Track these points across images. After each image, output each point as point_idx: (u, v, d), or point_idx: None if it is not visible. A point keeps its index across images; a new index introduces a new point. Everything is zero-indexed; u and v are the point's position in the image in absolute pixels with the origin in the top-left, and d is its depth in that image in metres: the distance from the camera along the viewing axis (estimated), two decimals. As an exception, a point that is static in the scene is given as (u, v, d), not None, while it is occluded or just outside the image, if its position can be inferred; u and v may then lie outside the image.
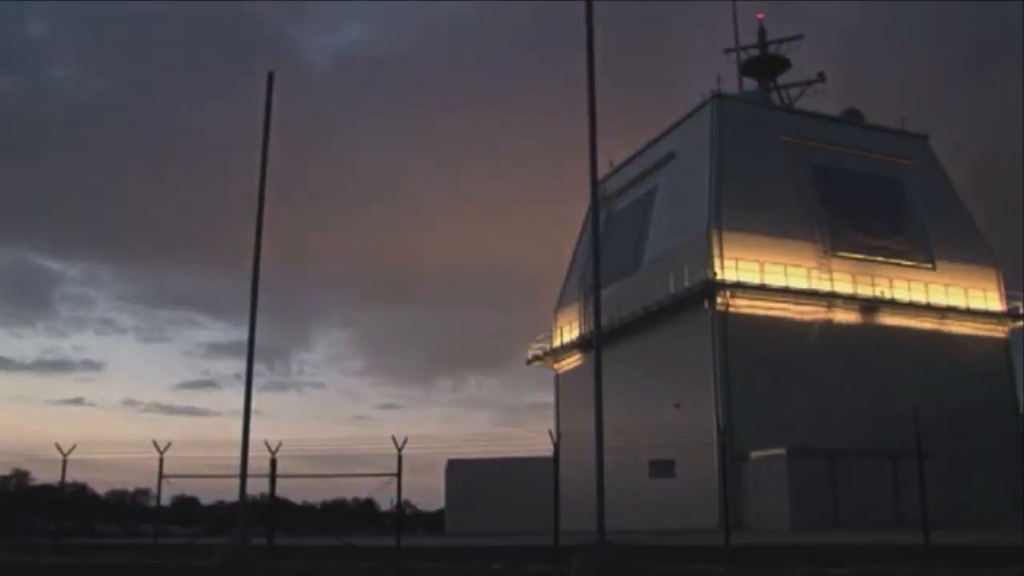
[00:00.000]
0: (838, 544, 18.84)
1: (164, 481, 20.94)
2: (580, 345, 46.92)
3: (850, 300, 39.50)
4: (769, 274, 38.34)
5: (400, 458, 17.78)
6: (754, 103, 46.47)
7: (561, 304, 51.84)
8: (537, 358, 51.46)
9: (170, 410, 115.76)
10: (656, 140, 47.57)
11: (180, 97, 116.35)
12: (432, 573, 16.16)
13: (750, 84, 50.13)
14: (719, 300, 37.24)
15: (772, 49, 49.37)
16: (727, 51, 49.68)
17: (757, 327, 37.46)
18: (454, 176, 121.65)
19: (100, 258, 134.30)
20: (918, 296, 41.14)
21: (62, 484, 23.31)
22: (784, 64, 49.43)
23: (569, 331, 49.07)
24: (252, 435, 19.48)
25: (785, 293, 38.38)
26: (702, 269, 37.70)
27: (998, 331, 42.74)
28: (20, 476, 70.64)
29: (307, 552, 21.97)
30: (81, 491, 71.52)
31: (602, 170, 37.52)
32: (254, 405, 20.07)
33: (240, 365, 20.48)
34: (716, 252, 37.78)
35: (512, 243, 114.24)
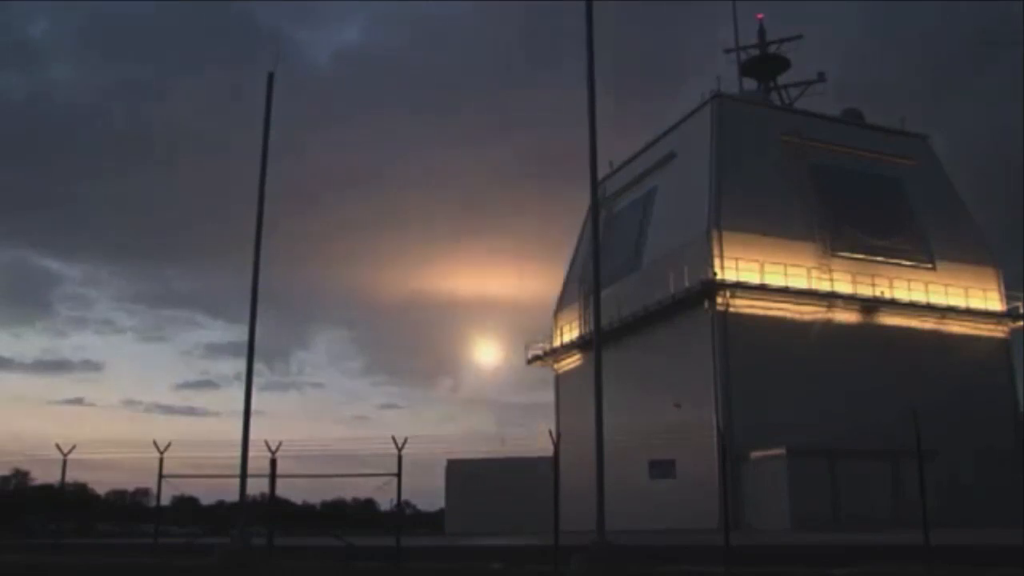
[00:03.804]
0: (838, 544, 18.83)
1: (164, 481, 20.90)
2: (580, 345, 46.92)
3: (850, 300, 39.50)
4: (769, 274, 38.34)
5: (400, 458, 17.77)
6: (754, 103, 46.47)
7: (561, 304, 51.84)
8: (537, 358, 51.47)
9: (170, 410, 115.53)
10: (656, 140, 47.59)
11: (180, 97, 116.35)
12: (432, 573, 16.17)
13: (750, 84, 50.16)
14: (719, 300, 37.25)
15: (772, 49, 49.39)
16: (727, 51, 49.78)
17: (757, 327, 37.46)
18: (454, 175, 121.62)
19: (100, 258, 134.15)
20: (918, 296, 41.14)
21: (62, 484, 23.27)
22: (784, 64, 49.45)
23: (569, 331, 49.06)
24: (252, 435, 19.49)
25: (785, 293, 38.38)
26: (702, 269, 37.70)
27: (998, 331, 42.74)
28: (20, 476, 70.68)
29: (307, 552, 21.96)
30: (81, 491, 71.48)
31: (602, 170, 37.53)
32: (254, 405, 20.08)
33: (240, 365, 20.50)
34: (716, 252, 37.79)
35: (512, 242, 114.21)
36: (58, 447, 20.72)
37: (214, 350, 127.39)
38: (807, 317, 38.82)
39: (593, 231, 17.87)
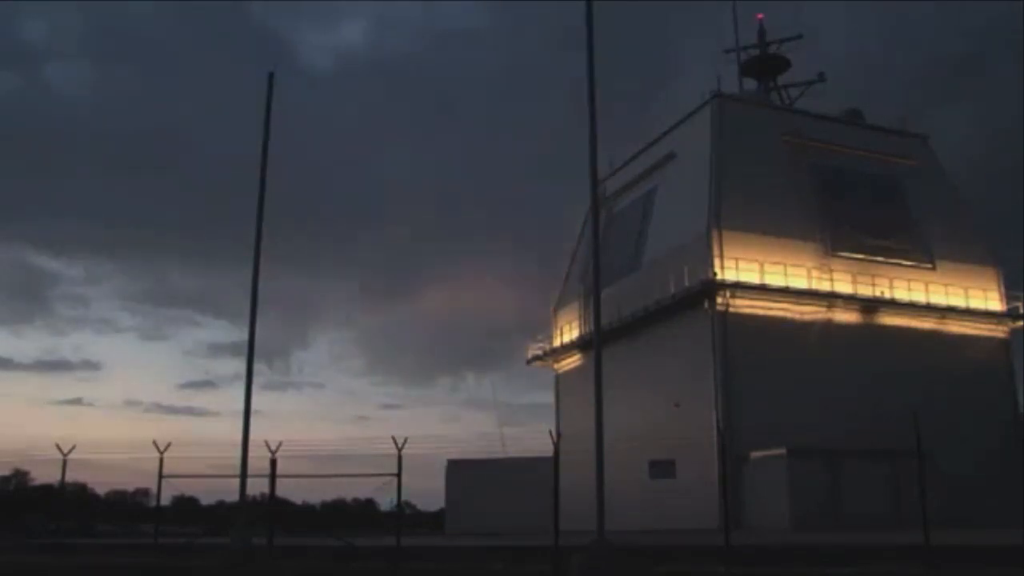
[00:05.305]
0: (838, 544, 18.82)
1: (164, 481, 20.94)
2: (580, 345, 46.90)
3: (850, 300, 39.49)
4: (769, 274, 38.33)
5: (400, 458, 17.80)
6: (754, 103, 46.46)
7: (561, 304, 51.82)
8: (537, 358, 51.45)
9: (170, 410, 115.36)
10: (656, 140, 47.55)
11: (180, 97, 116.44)
12: (432, 573, 16.18)
13: (750, 84, 50.16)
14: (719, 300, 37.23)
15: (772, 49, 49.40)
16: (727, 51, 49.75)
17: (757, 327, 37.44)
18: (454, 175, 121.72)
19: (100, 258, 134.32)
20: (918, 296, 41.13)
21: (62, 484, 23.29)
22: (784, 64, 49.45)
23: (569, 331, 49.05)
24: (252, 435, 19.50)
25: (785, 293, 38.36)
26: (702, 269, 37.69)
27: (998, 331, 42.72)
28: (20, 476, 70.60)
29: (307, 552, 21.96)
30: (81, 491, 71.38)
31: (602, 170, 37.52)
32: (254, 405, 20.08)
33: (240, 365, 20.50)
34: (716, 252, 37.76)
35: (513, 242, 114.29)
36: (58, 447, 20.78)
37: (215, 350, 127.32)
38: (807, 317, 38.81)
39: (593, 231, 17.87)
